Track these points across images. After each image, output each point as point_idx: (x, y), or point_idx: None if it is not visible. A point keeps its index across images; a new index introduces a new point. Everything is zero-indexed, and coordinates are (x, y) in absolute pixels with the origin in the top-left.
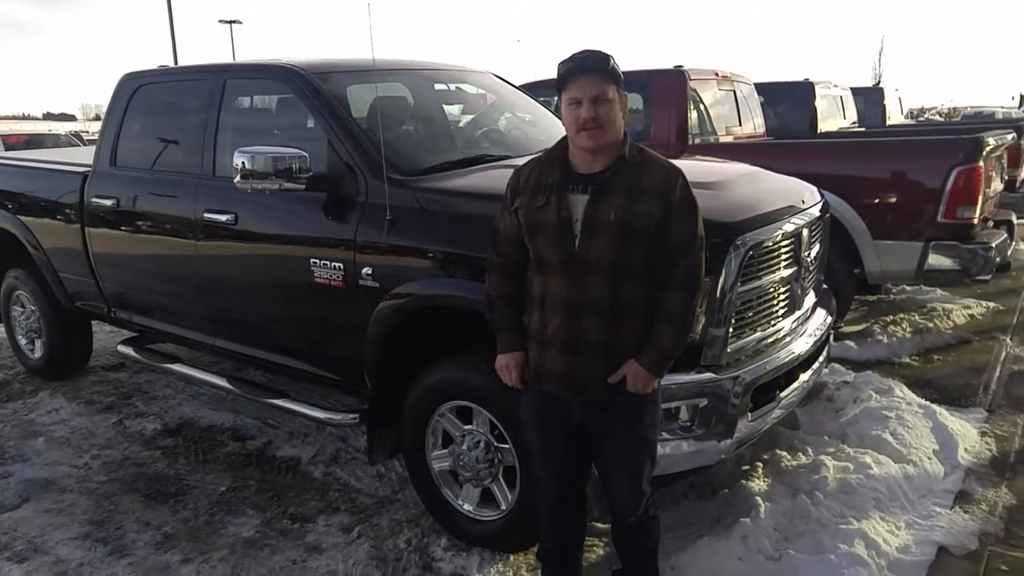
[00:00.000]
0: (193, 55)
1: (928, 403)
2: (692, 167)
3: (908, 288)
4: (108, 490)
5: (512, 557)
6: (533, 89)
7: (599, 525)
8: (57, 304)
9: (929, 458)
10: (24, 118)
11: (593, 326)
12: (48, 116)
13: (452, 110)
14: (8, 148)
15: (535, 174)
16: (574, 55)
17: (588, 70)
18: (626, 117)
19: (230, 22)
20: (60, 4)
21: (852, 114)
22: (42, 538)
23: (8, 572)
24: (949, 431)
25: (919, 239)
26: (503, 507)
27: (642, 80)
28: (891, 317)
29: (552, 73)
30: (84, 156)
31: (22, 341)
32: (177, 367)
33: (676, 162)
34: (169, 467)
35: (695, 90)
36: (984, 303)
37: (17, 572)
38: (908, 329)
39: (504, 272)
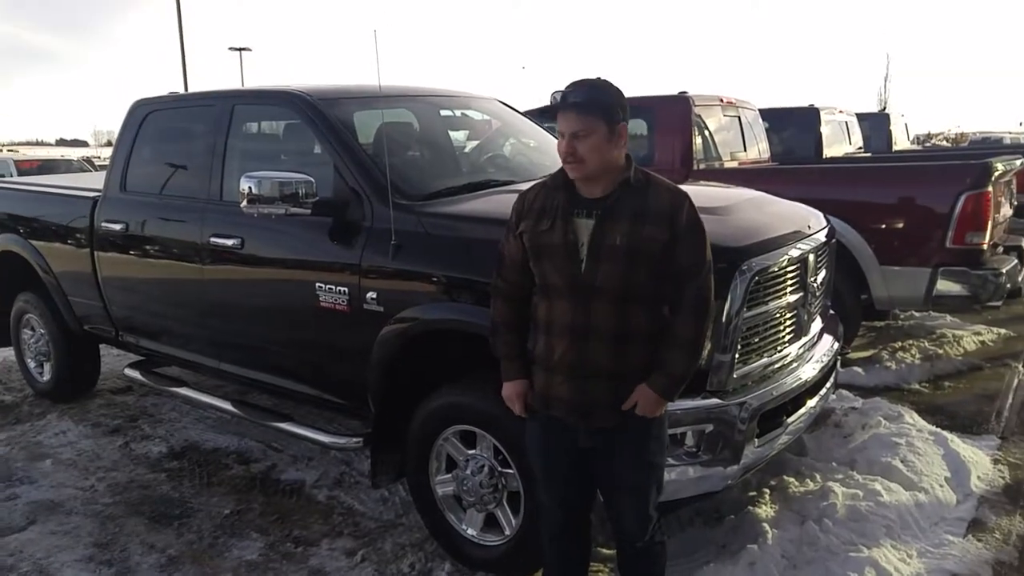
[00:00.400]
0: (203, 81)
1: (939, 430)
2: (697, 192)
3: (917, 314)
4: (113, 512)
5: None
6: (538, 115)
7: (603, 551)
8: (66, 327)
9: (941, 485)
10: (38, 144)
11: (599, 351)
12: (61, 142)
13: (457, 136)
14: (22, 173)
15: (540, 198)
16: (565, 87)
17: (568, 106)
18: (620, 145)
19: (239, 49)
20: (74, 32)
21: (858, 140)
22: (48, 560)
23: None
24: (961, 458)
25: (927, 265)
26: (507, 532)
27: (647, 106)
28: (899, 343)
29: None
30: (95, 181)
31: (31, 364)
32: (183, 390)
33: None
34: (174, 490)
35: (700, 116)
36: (995, 329)
37: None
38: (917, 355)
39: (508, 298)
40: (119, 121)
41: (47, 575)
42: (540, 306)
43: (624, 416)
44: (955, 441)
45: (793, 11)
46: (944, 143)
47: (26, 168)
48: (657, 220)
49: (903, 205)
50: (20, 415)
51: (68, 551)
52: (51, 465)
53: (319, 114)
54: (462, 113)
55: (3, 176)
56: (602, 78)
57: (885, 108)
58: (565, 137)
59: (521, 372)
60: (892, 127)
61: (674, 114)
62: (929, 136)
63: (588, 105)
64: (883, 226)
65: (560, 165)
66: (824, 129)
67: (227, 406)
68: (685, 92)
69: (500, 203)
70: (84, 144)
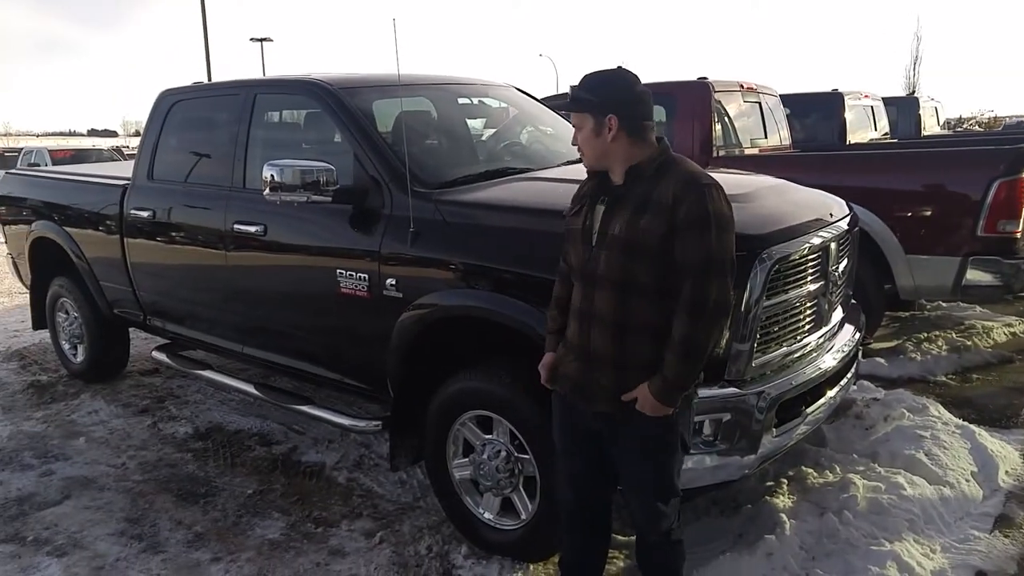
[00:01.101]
0: (226, 71)
1: (966, 423)
2: (717, 179)
3: (944, 304)
4: (143, 489)
5: (532, 566)
6: (555, 102)
7: (620, 537)
8: (98, 311)
9: (967, 480)
10: (70, 134)
11: (599, 338)
12: (92, 132)
13: (475, 124)
14: (56, 162)
15: (582, 185)
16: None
17: (568, 105)
18: (614, 137)
19: (261, 40)
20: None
21: (884, 125)
22: (81, 533)
23: (49, 566)
24: (989, 452)
25: (956, 254)
26: (523, 516)
27: (665, 92)
28: (925, 334)
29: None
30: (124, 170)
31: (65, 346)
32: (207, 373)
33: None
34: (199, 469)
35: (719, 102)
36: None
37: (57, 566)
38: (944, 347)
39: (561, 275)
40: (147, 111)
41: (81, 548)
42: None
43: (626, 407)
44: (983, 435)
45: None
46: (976, 128)
47: (60, 157)
48: (657, 211)
49: (931, 192)
50: (55, 395)
51: (101, 525)
52: (84, 443)
53: (339, 103)
54: (479, 101)
55: (38, 165)
56: (609, 69)
57: (914, 92)
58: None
59: (554, 347)
60: (921, 112)
61: (693, 100)
62: (961, 121)
63: (576, 100)
64: (909, 214)
65: (576, 153)
66: (848, 114)
67: (250, 389)
68: (705, 77)
69: (516, 191)
70: (114, 134)
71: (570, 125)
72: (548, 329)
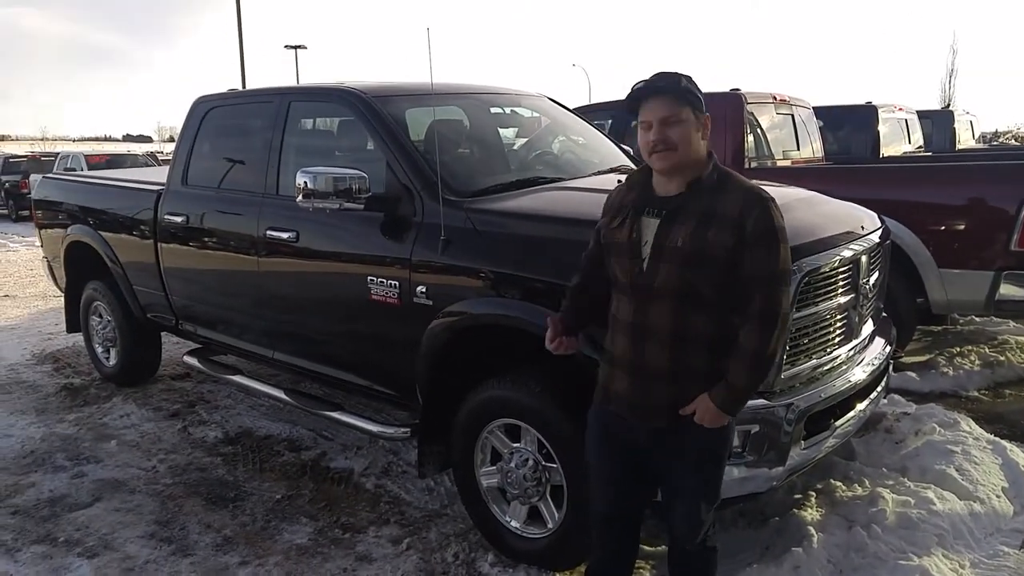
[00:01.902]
0: (260, 79)
1: (997, 439)
2: None
3: (977, 319)
4: (173, 492)
5: (558, 575)
6: (587, 112)
7: (646, 547)
8: (131, 315)
9: (997, 496)
10: (106, 139)
11: (654, 352)
12: (127, 138)
13: (507, 133)
14: (91, 167)
15: (619, 196)
16: (645, 79)
17: (657, 92)
18: (707, 138)
19: (295, 47)
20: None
21: (918, 138)
22: (112, 535)
23: (80, 567)
24: (1020, 468)
25: (990, 268)
26: (550, 525)
27: None
28: (958, 349)
29: (606, 96)
30: (159, 175)
31: (98, 349)
32: (238, 378)
33: None
34: (229, 473)
35: (752, 113)
36: None
37: (88, 567)
38: (977, 362)
39: (581, 271)
40: (181, 117)
41: (112, 549)
42: (612, 302)
43: (683, 420)
44: (1014, 450)
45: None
46: (1012, 142)
47: (96, 162)
48: (724, 224)
49: (964, 206)
50: (88, 398)
51: (131, 528)
52: (116, 446)
53: (372, 111)
54: (511, 110)
55: (74, 170)
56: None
57: (949, 105)
58: (652, 126)
59: (567, 317)
60: (956, 125)
61: (726, 111)
62: (996, 135)
63: (678, 91)
64: (943, 228)
65: (608, 163)
66: (882, 127)
67: (280, 394)
68: (737, 89)
69: (547, 200)
70: (149, 139)
71: (600, 135)
72: (562, 308)
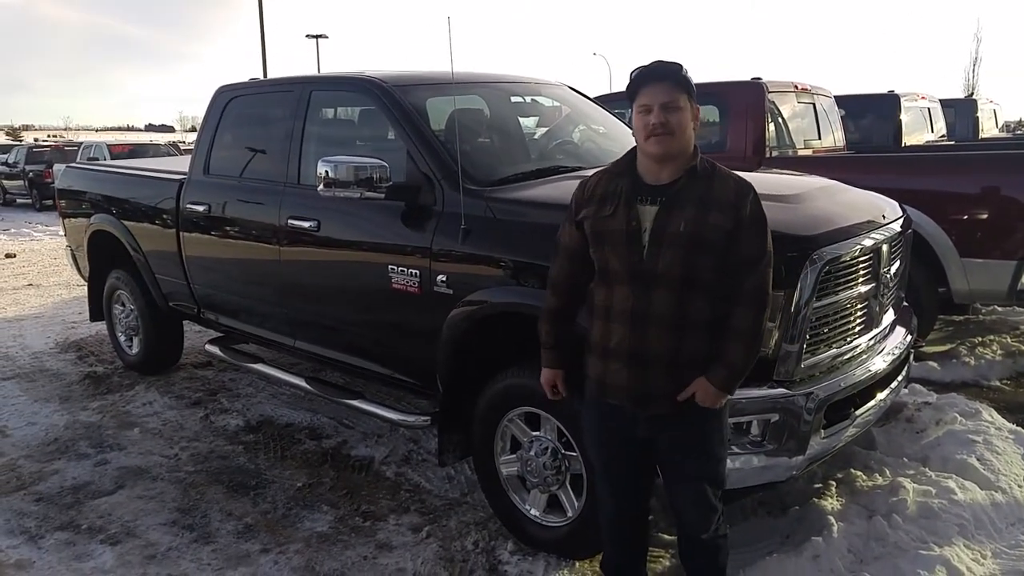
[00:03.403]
0: (282, 68)
1: (1019, 428)
2: (768, 180)
3: (999, 309)
4: (195, 480)
5: (578, 563)
6: (608, 101)
7: (665, 536)
8: (153, 304)
9: (1020, 486)
10: (128, 129)
11: (657, 338)
12: (150, 127)
13: (527, 122)
14: (114, 157)
15: (602, 184)
16: (645, 64)
17: (658, 77)
18: (697, 129)
19: (316, 36)
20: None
21: (940, 127)
22: (135, 522)
23: (102, 554)
24: None
25: (1013, 257)
26: (569, 514)
27: (719, 92)
28: (980, 338)
29: (627, 85)
30: (181, 165)
31: (121, 338)
32: (259, 367)
33: (751, 175)
34: (250, 461)
35: (773, 102)
36: None
37: (111, 554)
38: (999, 351)
39: (557, 287)
40: (203, 107)
41: (134, 536)
42: (599, 293)
43: (682, 405)
44: None
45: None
46: None
47: (119, 152)
48: (722, 208)
49: (987, 195)
50: (111, 386)
51: (153, 515)
52: (138, 433)
53: (393, 100)
54: (532, 99)
55: (97, 160)
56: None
57: (973, 94)
58: (653, 109)
59: (556, 362)
60: (979, 114)
61: (747, 100)
62: (1021, 123)
63: (678, 78)
64: (965, 217)
65: (624, 151)
66: (904, 116)
67: (301, 383)
68: (759, 78)
69: (567, 189)
70: (171, 129)
71: (621, 124)
72: (544, 343)
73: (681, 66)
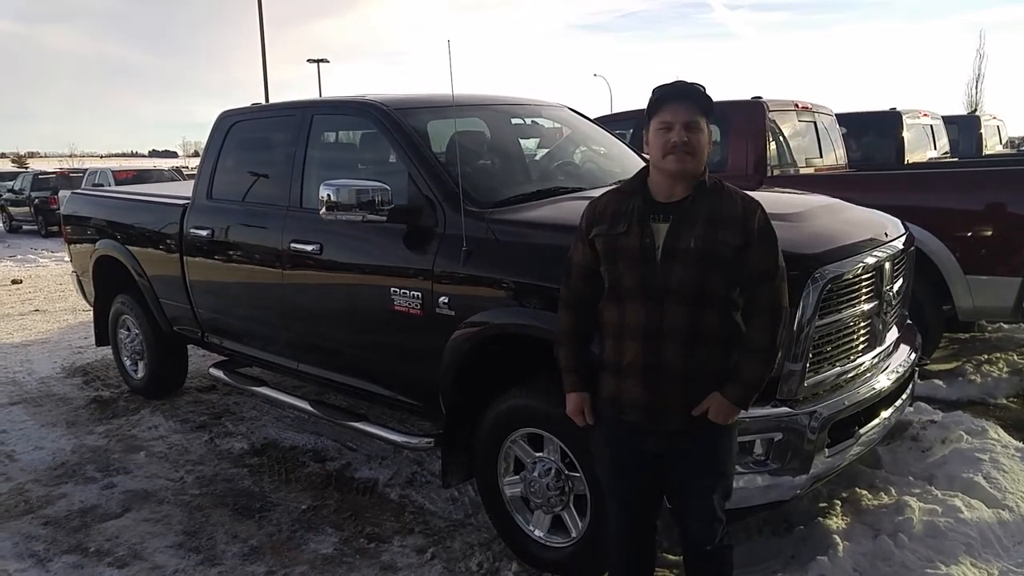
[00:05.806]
0: (284, 93)
1: None
2: (770, 198)
3: (1005, 326)
4: (201, 503)
5: None
6: (609, 122)
7: (669, 556)
8: (158, 328)
9: None
10: (132, 155)
11: (672, 353)
12: (153, 153)
13: (528, 144)
14: (119, 183)
15: (612, 203)
16: (668, 83)
17: (682, 96)
18: (710, 150)
19: (318, 61)
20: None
21: (944, 144)
22: (141, 545)
23: None
24: None
25: (1018, 274)
26: (573, 534)
27: (720, 111)
28: (985, 356)
29: (627, 106)
30: (184, 190)
31: (127, 362)
32: (263, 390)
33: (753, 194)
34: (255, 484)
35: (774, 121)
36: None
37: None
38: (1005, 369)
39: (572, 307)
40: (206, 132)
41: (141, 559)
42: (610, 310)
43: (696, 420)
44: None
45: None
46: None
47: (123, 178)
48: (731, 224)
49: (991, 212)
50: (117, 410)
51: (160, 538)
52: (144, 457)
53: (394, 123)
54: (532, 121)
55: (102, 185)
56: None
57: (976, 110)
58: (674, 128)
59: (581, 384)
60: (982, 130)
61: (747, 119)
62: None
63: (700, 98)
64: (969, 234)
65: (630, 172)
66: (907, 133)
67: (305, 405)
68: (759, 97)
69: (568, 210)
70: (174, 155)
71: (622, 145)
72: (566, 367)
73: (703, 87)
